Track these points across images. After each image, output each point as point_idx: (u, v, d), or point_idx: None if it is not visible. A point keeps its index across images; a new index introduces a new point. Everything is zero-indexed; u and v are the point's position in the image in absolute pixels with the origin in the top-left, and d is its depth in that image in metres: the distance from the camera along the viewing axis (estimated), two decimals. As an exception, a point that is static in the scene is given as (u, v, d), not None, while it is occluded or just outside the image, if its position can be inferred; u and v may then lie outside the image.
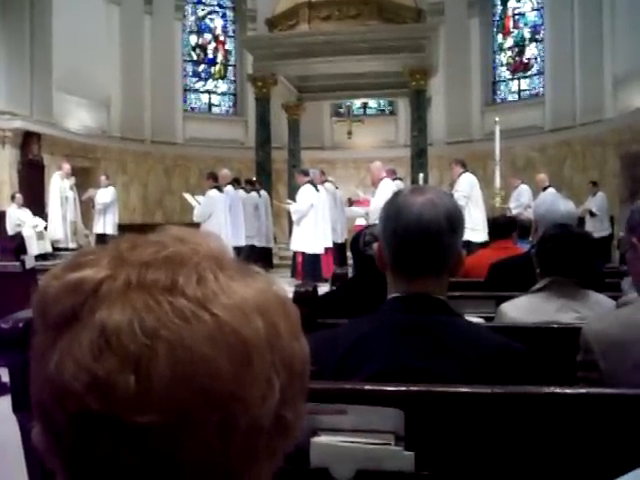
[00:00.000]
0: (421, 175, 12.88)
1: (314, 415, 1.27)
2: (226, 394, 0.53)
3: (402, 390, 1.34)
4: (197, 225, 10.31)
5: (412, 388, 1.35)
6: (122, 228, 13.41)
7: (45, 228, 12.92)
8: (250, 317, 0.55)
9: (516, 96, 18.58)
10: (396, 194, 1.64)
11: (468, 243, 8.74)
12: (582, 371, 1.77)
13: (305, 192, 11.07)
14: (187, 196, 11.81)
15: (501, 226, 4.59)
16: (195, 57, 19.91)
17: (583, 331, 1.77)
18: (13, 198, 12.57)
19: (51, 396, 0.53)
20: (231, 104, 20.27)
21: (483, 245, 9.20)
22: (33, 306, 0.57)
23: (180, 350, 0.52)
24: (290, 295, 0.70)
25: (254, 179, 13.84)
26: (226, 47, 20.31)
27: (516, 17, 18.70)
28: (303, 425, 0.61)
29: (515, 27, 18.73)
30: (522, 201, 11.49)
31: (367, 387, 1.37)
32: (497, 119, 10.44)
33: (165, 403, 0.51)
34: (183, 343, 0.52)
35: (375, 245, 1.65)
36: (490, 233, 4.77)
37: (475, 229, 10.00)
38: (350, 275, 3.64)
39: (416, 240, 1.53)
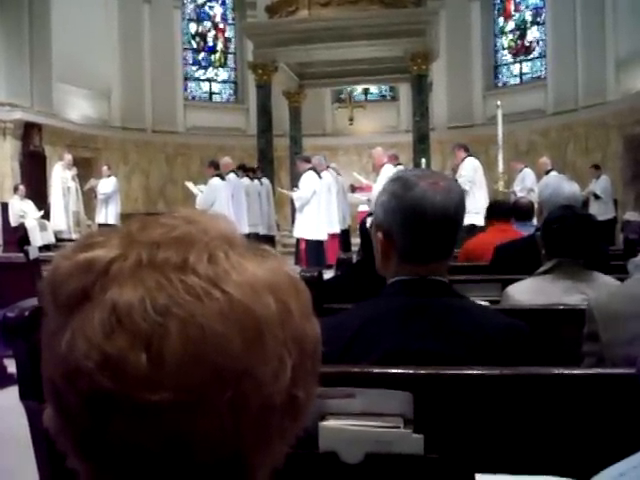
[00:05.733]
0: (423, 160, 12.83)
1: (322, 399, 1.27)
2: (238, 371, 0.53)
3: (410, 373, 1.34)
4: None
5: (420, 371, 1.34)
6: (124, 218, 13.41)
7: (45, 217, 12.91)
8: (261, 295, 0.55)
9: (518, 80, 18.46)
10: (406, 183, 1.57)
11: (472, 227, 8.75)
12: (586, 343, 1.80)
13: (308, 179, 11.05)
14: (189, 185, 11.83)
15: (499, 209, 4.59)
16: (195, 45, 19.80)
17: (589, 303, 1.82)
18: (16, 189, 12.57)
19: (63, 376, 0.53)
20: (232, 92, 20.18)
21: (482, 229, 9.21)
22: (44, 286, 0.56)
23: (192, 328, 0.51)
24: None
25: (255, 167, 13.81)
26: (226, 34, 20.18)
27: (517, 0, 18.58)
28: (313, 407, 0.61)
29: (516, 10, 18.59)
30: (526, 184, 11.47)
31: (375, 370, 1.36)
32: (499, 103, 10.39)
33: (177, 381, 0.51)
34: (195, 321, 0.51)
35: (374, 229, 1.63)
36: (487, 216, 4.74)
37: (479, 212, 10.00)
38: (354, 260, 3.64)
39: (435, 229, 1.54)
